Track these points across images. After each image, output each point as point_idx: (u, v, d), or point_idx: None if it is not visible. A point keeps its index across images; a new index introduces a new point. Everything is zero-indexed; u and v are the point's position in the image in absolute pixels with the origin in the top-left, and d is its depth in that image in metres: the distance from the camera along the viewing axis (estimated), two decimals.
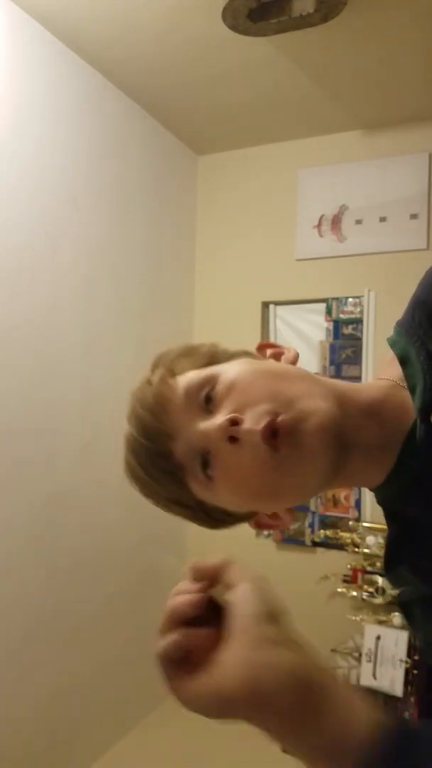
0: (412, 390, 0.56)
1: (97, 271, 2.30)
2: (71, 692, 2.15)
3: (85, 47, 2.14)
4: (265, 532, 2.65)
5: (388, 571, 0.63)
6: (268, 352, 0.65)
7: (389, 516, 0.62)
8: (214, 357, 0.62)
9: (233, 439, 0.53)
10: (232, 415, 0.54)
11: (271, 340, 2.90)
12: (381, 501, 0.62)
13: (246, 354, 0.64)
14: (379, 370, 0.64)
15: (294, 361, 0.63)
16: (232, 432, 0.53)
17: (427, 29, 2.01)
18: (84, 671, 2.22)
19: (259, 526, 0.66)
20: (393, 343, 0.60)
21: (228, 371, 0.58)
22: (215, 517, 0.62)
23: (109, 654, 2.35)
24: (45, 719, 2.04)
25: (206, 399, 0.57)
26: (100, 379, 2.30)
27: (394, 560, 0.62)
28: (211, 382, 0.58)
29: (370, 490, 0.62)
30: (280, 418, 0.52)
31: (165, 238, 2.78)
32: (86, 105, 2.24)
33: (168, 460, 0.58)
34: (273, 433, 0.52)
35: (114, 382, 2.37)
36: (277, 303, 2.91)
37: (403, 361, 0.58)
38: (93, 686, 2.28)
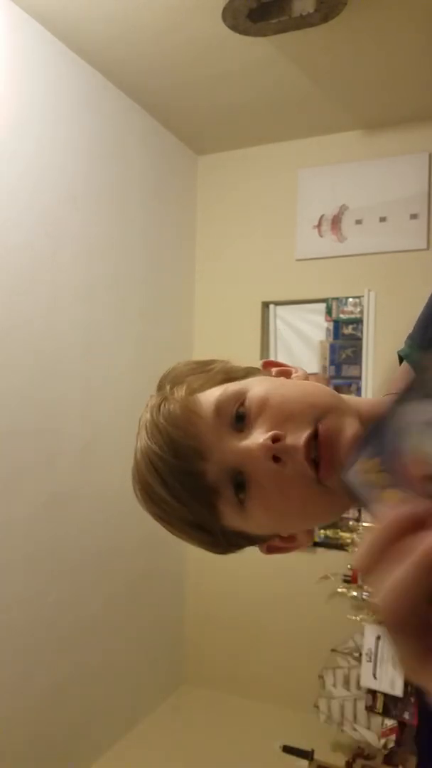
0: None
1: (97, 270, 2.30)
2: (71, 692, 2.15)
3: (85, 47, 2.14)
4: None
5: None
6: (274, 370, 0.62)
7: None
8: (229, 374, 0.59)
9: (276, 459, 0.50)
10: (274, 432, 0.50)
11: (271, 340, 2.90)
12: None
13: (257, 371, 0.61)
14: (390, 384, 0.62)
15: (305, 380, 0.61)
16: (275, 450, 0.50)
17: (427, 29, 2.01)
18: (84, 671, 2.23)
19: (272, 551, 0.63)
20: (406, 356, 0.58)
21: (256, 387, 0.55)
22: (232, 542, 0.59)
23: (109, 654, 2.35)
24: (45, 719, 2.04)
25: (237, 417, 0.54)
26: (100, 379, 2.30)
27: None
28: (239, 398, 0.54)
29: None
30: (321, 427, 0.51)
31: (165, 239, 2.78)
32: (86, 105, 2.24)
33: (199, 481, 0.53)
34: (314, 463, 0.50)
35: (114, 382, 2.37)
36: (277, 303, 2.91)
37: None
38: (93, 686, 2.28)
